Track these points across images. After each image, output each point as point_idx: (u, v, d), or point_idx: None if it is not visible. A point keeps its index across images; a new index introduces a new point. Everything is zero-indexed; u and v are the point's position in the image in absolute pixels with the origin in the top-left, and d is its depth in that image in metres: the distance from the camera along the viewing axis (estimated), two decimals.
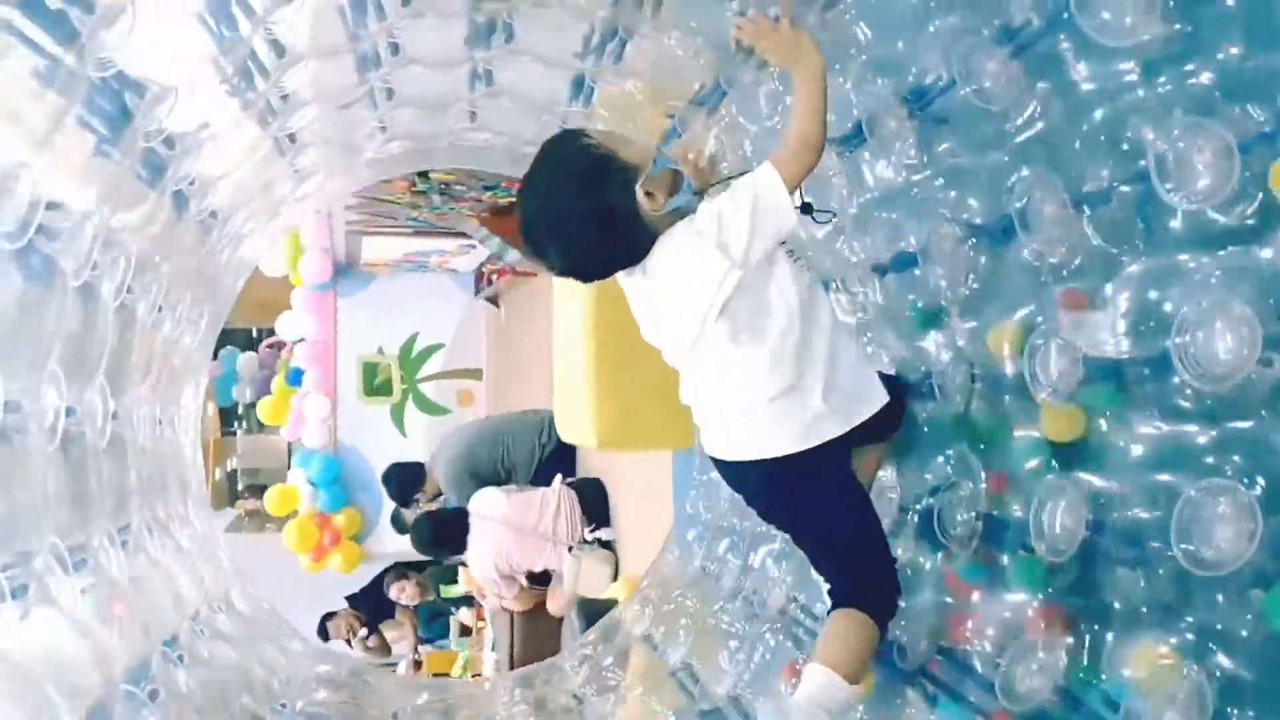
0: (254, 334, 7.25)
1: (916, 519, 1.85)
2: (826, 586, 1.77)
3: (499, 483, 4.37)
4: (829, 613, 1.71)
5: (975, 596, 1.66)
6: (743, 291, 1.63)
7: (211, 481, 6.96)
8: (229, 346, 6.99)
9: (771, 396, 1.65)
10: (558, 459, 4.49)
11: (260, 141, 2.24)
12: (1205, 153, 1.15)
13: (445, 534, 4.27)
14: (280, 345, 6.91)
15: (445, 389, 6.96)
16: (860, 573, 1.72)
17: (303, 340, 6.64)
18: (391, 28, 2.15)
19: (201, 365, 2.78)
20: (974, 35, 1.56)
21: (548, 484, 4.21)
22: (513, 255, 5.70)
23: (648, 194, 1.61)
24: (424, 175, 5.52)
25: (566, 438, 3.67)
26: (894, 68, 1.82)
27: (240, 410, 7.27)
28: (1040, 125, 1.49)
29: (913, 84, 1.77)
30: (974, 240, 1.66)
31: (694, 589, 2.72)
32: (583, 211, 1.61)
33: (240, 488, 7.29)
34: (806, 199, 1.73)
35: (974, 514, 1.64)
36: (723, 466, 1.77)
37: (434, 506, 4.87)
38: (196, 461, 2.74)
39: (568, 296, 3.41)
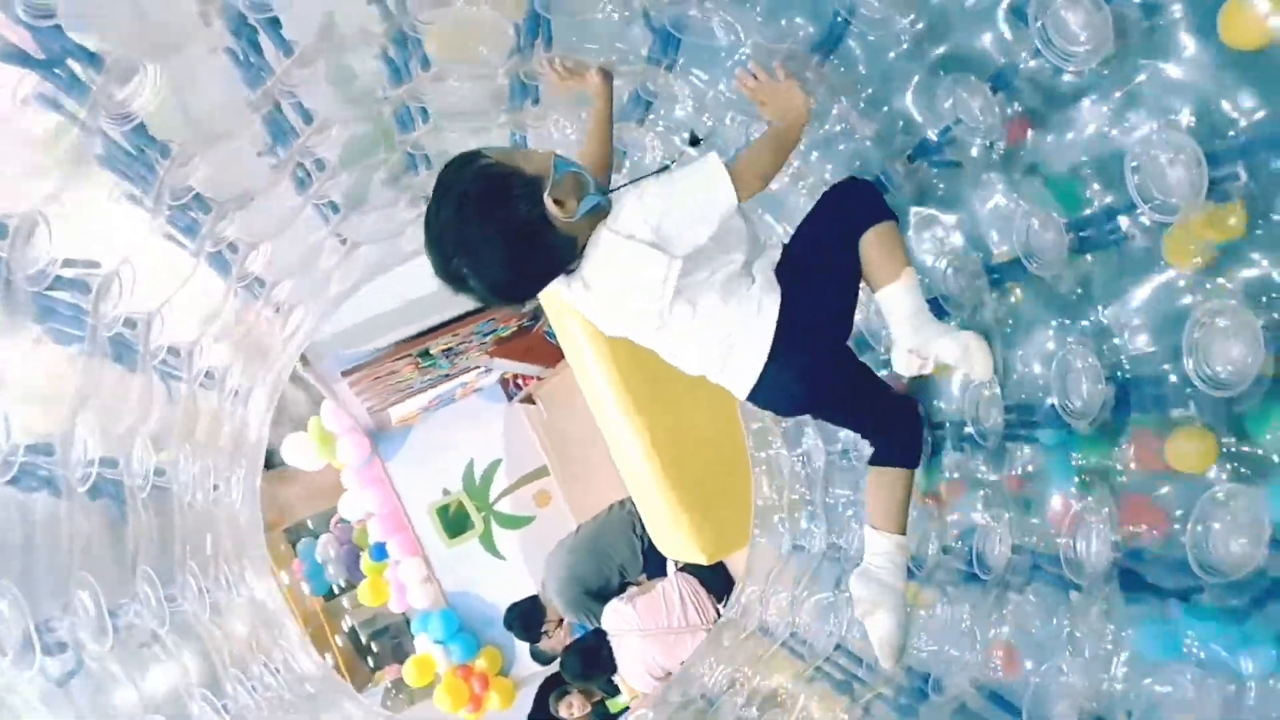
0: (325, 520, 7.29)
1: None
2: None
3: (614, 589, 4.35)
4: (868, 465, 1.89)
5: None
6: (688, 273, 1.64)
7: (339, 655, 6.99)
8: (302, 540, 7.04)
9: (735, 328, 1.72)
10: None
11: (226, 290, 2.26)
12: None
13: (594, 661, 4.25)
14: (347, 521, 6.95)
15: (520, 499, 6.94)
16: (886, 418, 1.86)
17: (370, 515, 6.66)
18: (307, 145, 2.16)
19: (255, 523, 2.80)
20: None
21: (660, 570, 4.14)
22: (529, 368, 5.79)
23: (557, 202, 1.58)
24: (425, 354, 5.69)
25: (674, 556, 3.66)
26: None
27: (341, 590, 7.27)
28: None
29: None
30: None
31: (788, 567, 2.73)
32: (495, 233, 1.57)
33: (367, 643, 7.23)
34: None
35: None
36: (755, 398, 1.81)
37: (565, 634, 4.85)
38: (283, 609, 2.74)
39: (610, 417, 3.38)
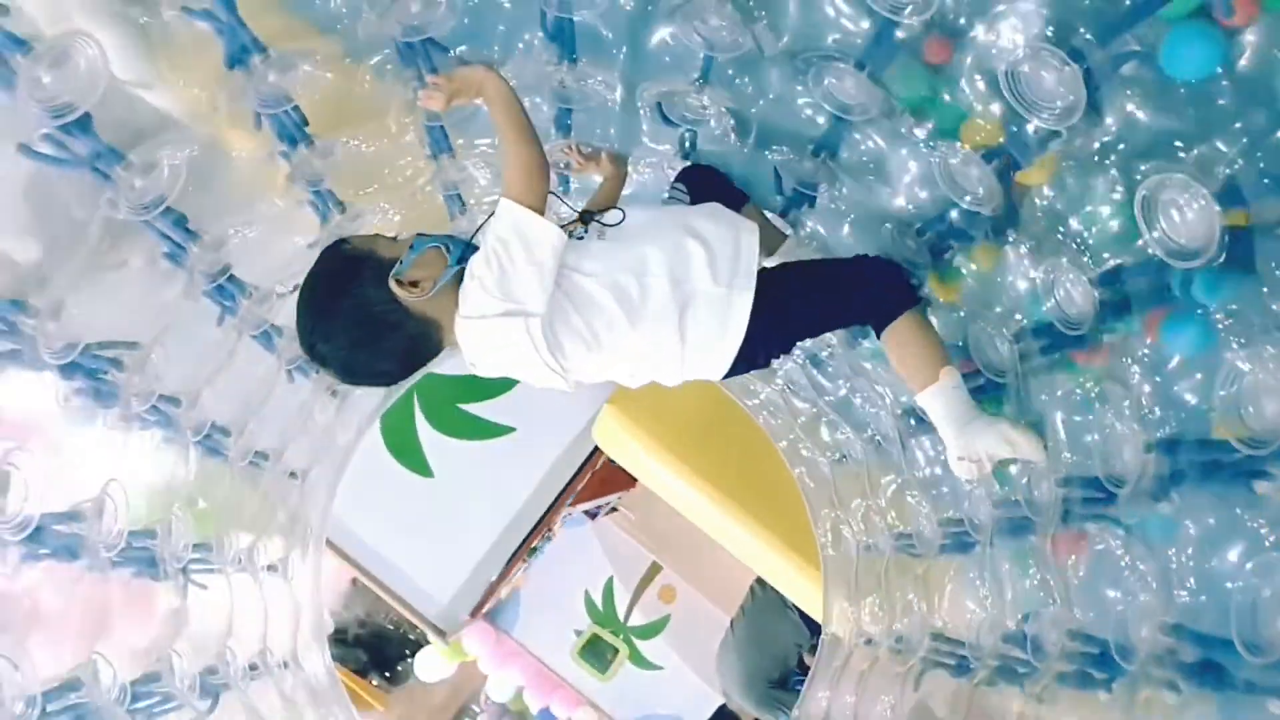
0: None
1: None
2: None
3: (795, 671, 4.25)
4: (877, 336, 1.79)
5: None
6: (553, 321, 1.61)
7: None
8: None
9: (678, 344, 1.68)
10: None
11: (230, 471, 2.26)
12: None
13: None
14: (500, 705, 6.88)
15: (648, 604, 6.85)
16: (866, 292, 1.76)
17: (521, 687, 6.58)
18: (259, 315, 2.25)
19: None
20: None
21: None
22: (609, 498, 5.78)
23: (410, 283, 1.58)
24: (531, 550, 5.72)
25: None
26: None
27: None
28: None
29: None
30: None
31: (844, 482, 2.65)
32: (338, 314, 1.59)
33: None
34: (584, 210, 1.74)
35: None
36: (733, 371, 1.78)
37: None
38: None
39: (707, 515, 3.37)
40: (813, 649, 4.18)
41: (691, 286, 1.68)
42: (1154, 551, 1.40)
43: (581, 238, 1.75)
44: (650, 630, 6.77)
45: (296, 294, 1.67)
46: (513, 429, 4.72)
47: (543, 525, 5.48)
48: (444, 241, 1.67)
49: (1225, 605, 1.24)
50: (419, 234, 1.69)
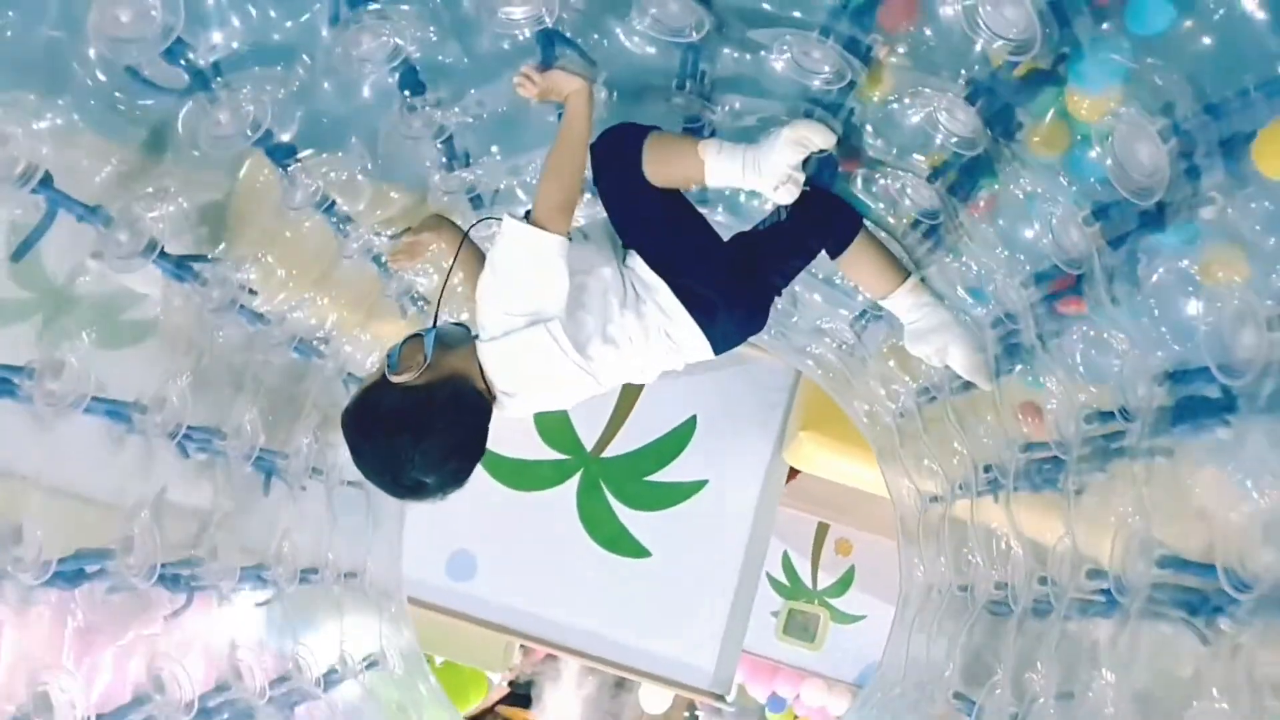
0: None
1: None
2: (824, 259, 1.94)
3: None
4: (836, 261, 1.93)
5: None
6: (571, 320, 1.69)
7: None
8: None
9: (660, 319, 1.77)
10: None
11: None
12: None
13: None
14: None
15: (829, 564, 6.87)
16: (816, 229, 1.89)
17: (741, 684, 6.68)
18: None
19: None
20: None
21: None
22: None
23: (404, 369, 1.67)
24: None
25: None
26: None
27: None
28: None
29: None
30: None
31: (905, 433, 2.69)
32: (386, 440, 1.67)
33: None
34: None
35: None
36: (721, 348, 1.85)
37: None
38: None
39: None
40: None
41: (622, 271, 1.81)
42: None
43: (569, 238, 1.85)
44: (841, 587, 6.80)
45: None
46: (705, 481, 4.67)
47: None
48: (411, 336, 1.76)
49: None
50: (391, 346, 1.78)
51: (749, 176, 1.74)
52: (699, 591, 4.71)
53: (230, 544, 2.14)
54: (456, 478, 1.73)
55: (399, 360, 1.70)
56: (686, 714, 6.86)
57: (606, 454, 4.65)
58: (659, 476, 4.68)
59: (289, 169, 1.93)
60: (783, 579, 6.89)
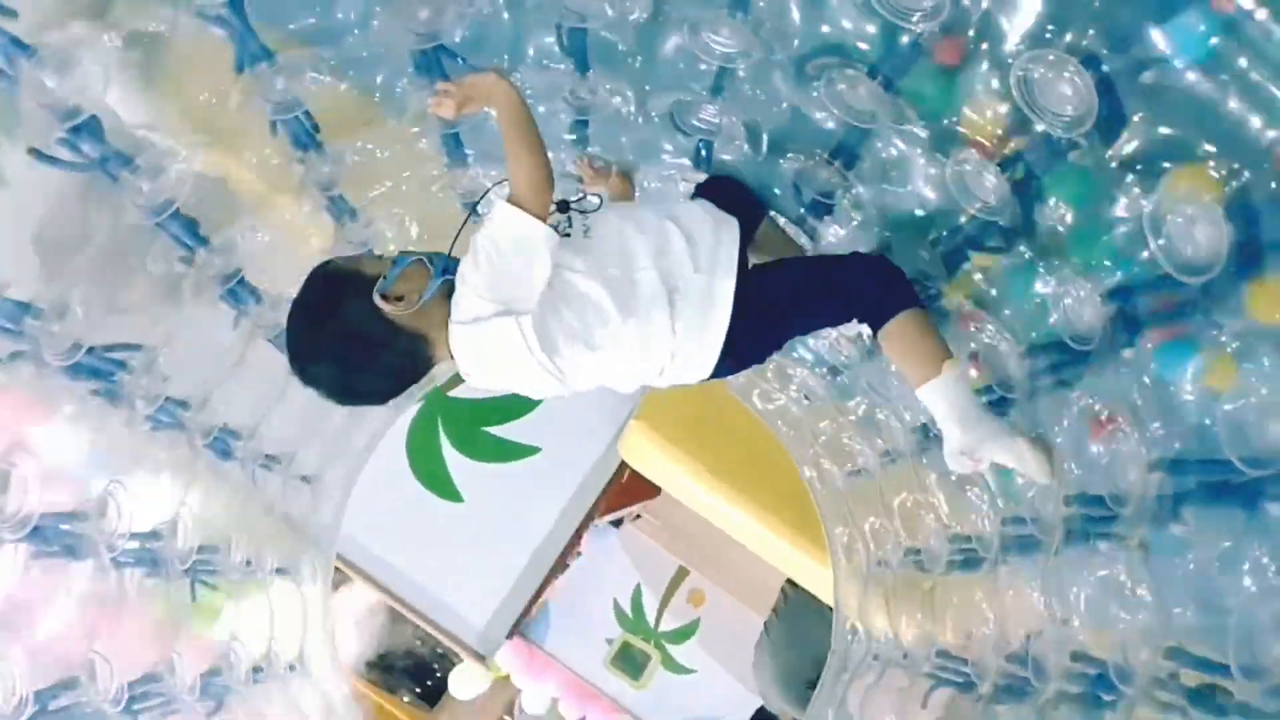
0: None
1: None
2: (866, 330, 1.79)
3: None
4: (874, 339, 1.77)
5: None
6: (544, 319, 1.58)
7: None
8: None
9: (670, 338, 1.66)
10: None
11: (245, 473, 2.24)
12: None
13: None
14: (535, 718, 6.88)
15: (677, 609, 6.84)
16: (862, 292, 1.73)
17: (556, 700, 6.59)
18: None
19: None
20: None
21: None
22: (635, 508, 5.80)
23: (396, 298, 1.57)
24: (564, 566, 5.74)
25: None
26: None
27: None
28: None
29: None
30: None
31: (858, 497, 2.69)
32: (326, 338, 1.60)
33: None
34: (561, 200, 1.73)
35: None
36: (717, 375, 1.77)
37: None
38: None
39: (741, 525, 3.37)
40: None
41: (675, 276, 1.68)
42: (1155, 571, 1.39)
43: (567, 234, 1.75)
44: (681, 635, 6.76)
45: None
46: (538, 449, 4.75)
47: (573, 543, 5.49)
48: (427, 256, 1.68)
49: (1224, 628, 1.23)
50: (402, 251, 1.70)
51: (952, 423, 1.64)
52: (495, 552, 4.74)
53: None
54: (350, 402, 1.74)
55: (395, 281, 1.61)
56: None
57: (453, 394, 4.62)
58: (496, 430, 4.72)
59: None
60: (628, 610, 6.82)
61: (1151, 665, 1.36)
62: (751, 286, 1.71)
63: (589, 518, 5.32)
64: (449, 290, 1.66)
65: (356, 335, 1.61)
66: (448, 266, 1.67)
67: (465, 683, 6.29)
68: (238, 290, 2.16)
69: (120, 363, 1.90)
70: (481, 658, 4.92)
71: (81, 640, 1.82)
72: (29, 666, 1.66)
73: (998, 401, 1.82)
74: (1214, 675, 1.24)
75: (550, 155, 1.67)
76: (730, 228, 1.74)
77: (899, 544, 2.50)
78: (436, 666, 6.76)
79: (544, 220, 1.61)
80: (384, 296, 1.61)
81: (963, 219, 1.72)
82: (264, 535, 2.59)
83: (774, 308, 1.74)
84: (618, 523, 6.79)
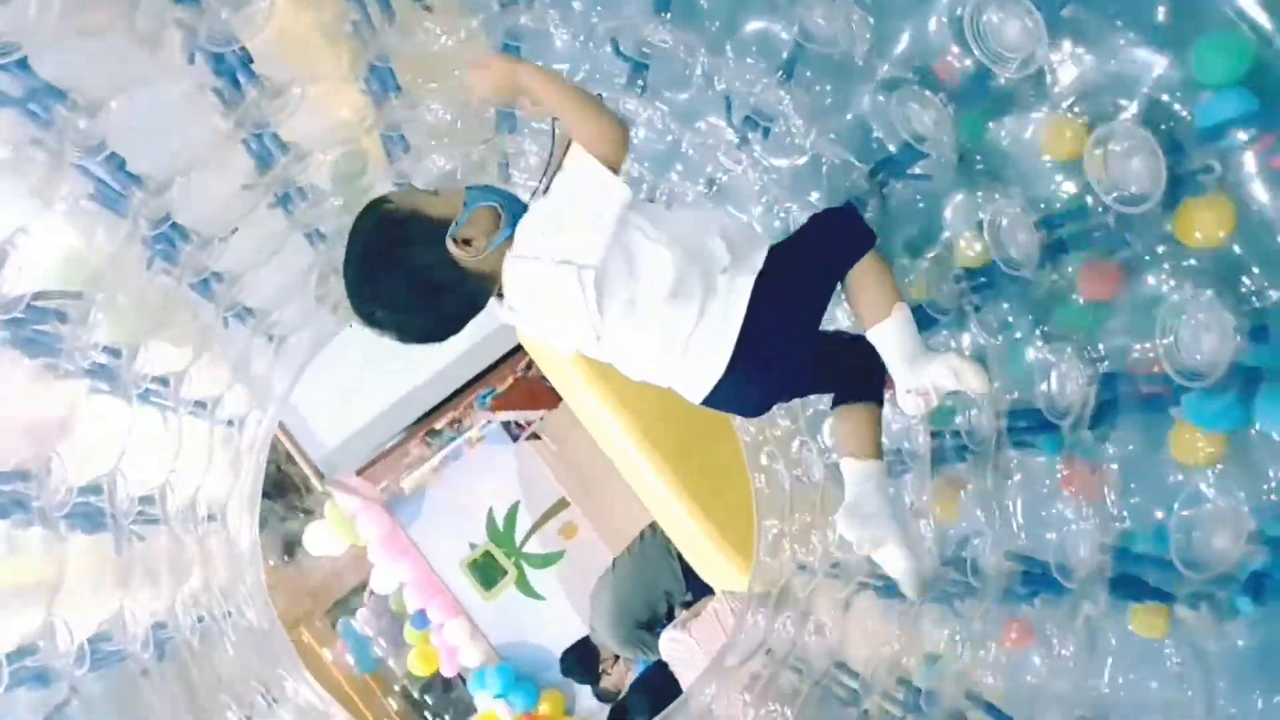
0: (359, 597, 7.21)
1: None
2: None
3: (663, 617, 4.30)
4: (833, 407, 1.88)
5: None
6: (607, 274, 1.59)
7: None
8: (341, 619, 6.98)
9: (690, 330, 1.65)
10: None
11: (175, 429, 2.27)
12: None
13: (661, 695, 4.24)
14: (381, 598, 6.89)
15: (547, 536, 6.88)
16: (834, 248, 1.76)
17: (403, 584, 6.59)
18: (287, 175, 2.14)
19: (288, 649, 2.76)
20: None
21: (706, 588, 4.11)
22: (532, 414, 5.77)
23: (464, 242, 1.56)
24: (433, 432, 5.70)
25: (720, 587, 3.61)
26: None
27: (390, 666, 7.19)
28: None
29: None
30: None
31: (797, 501, 2.74)
32: (397, 282, 1.57)
33: (420, 697, 7.19)
34: None
35: None
36: (710, 402, 1.76)
37: (624, 668, 4.81)
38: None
39: (624, 451, 3.34)
40: (685, 604, 4.22)
41: (714, 275, 1.67)
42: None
43: (650, 200, 1.79)
44: (542, 561, 6.80)
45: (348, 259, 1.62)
46: None
47: (450, 407, 5.45)
48: (499, 201, 1.63)
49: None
50: (469, 187, 1.65)
51: (898, 363, 1.71)
52: (368, 382, 4.64)
53: None
54: (411, 342, 1.68)
55: (466, 225, 1.58)
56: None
57: None
58: None
59: None
60: (500, 523, 6.85)
61: (1090, 563, 1.40)
62: (762, 286, 1.70)
63: (471, 386, 5.30)
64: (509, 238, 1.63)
65: (427, 282, 1.58)
66: (517, 212, 1.63)
67: (319, 539, 6.25)
68: (264, 139, 2.05)
69: (58, 313, 1.77)
70: (321, 476, 4.84)
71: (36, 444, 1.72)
72: None
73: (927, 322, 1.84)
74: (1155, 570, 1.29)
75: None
76: (764, 246, 1.74)
77: (826, 554, 2.50)
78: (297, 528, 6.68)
79: (616, 169, 1.58)
80: (455, 241, 1.57)
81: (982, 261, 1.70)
82: (222, 382, 2.50)
83: (785, 295, 1.71)
84: (516, 436, 6.79)
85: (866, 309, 1.75)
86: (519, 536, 6.85)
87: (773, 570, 2.94)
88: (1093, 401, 1.41)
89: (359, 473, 5.49)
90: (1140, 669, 1.34)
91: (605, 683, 5.01)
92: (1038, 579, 1.59)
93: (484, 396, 5.79)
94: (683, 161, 2.23)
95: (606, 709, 5.93)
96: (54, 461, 1.71)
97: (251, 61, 1.89)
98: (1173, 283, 1.24)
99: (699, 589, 4.13)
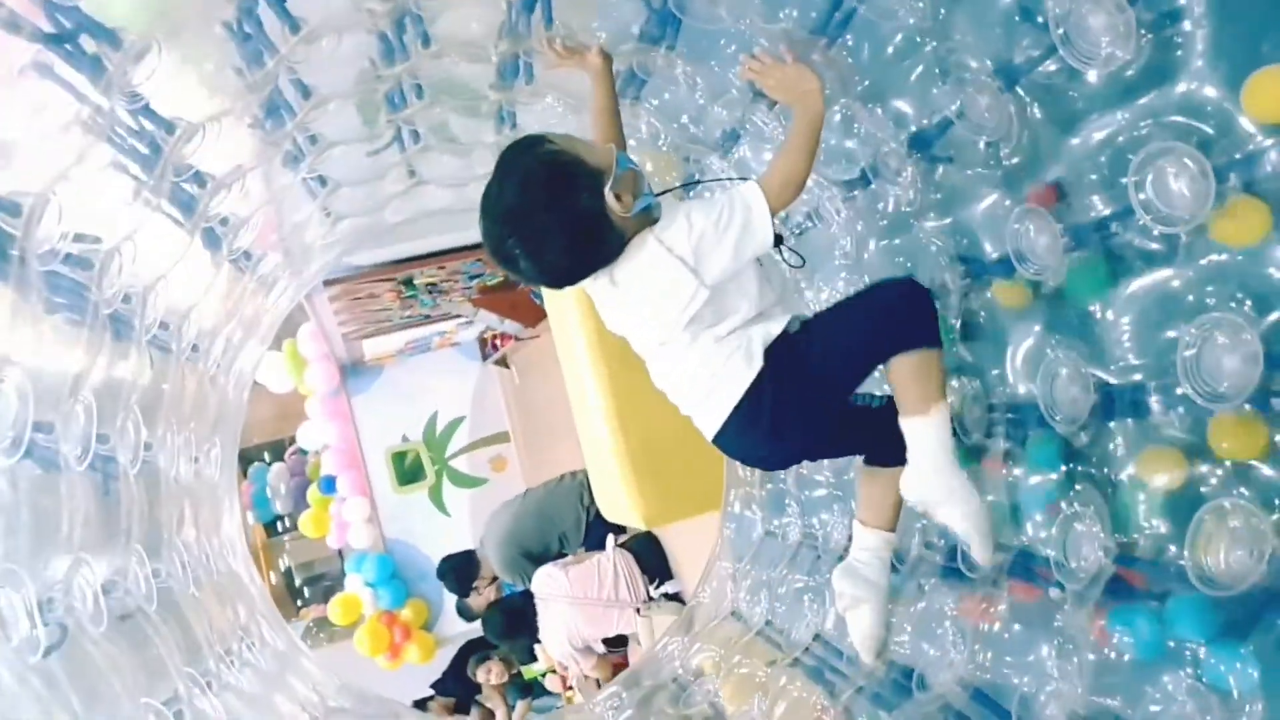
0: (279, 448, 7.22)
1: None
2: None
3: (552, 556, 4.36)
4: (864, 464, 1.83)
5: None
6: (708, 303, 1.64)
7: (269, 587, 6.95)
8: (255, 464, 7.02)
9: (722, 364, 1.68)
10: (605, 518, 4.48)
11: (216, 266, 2.24)
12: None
13: (516, 622, 4.31)
14: (305, 452, 6.92)
15: (477, 460, 6.94)
16: (868, 432, 1.77)
17: (327, 447, 6.63)
18: (303, 123, 2.14)
19: (230, 490, 2.78)
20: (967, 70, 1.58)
21: (600, 545, 4.19)
22: (510, 325, 5.72)
23: (616, 196, 1.59)
24: (409, 283, 5.64)
25: (613, 519, 3.65)
26: (893, 107, 1.84)
27: (284, 524, 7.25)
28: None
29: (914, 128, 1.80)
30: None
31: (761, 553, 2.76)
32: (554, 218, 1.59)
33: (300, 586, 7.24)
34: (778, 232, 1.74)
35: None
36: (719, 442, 1.76)
37: (494, 592, 4.86)
38: (255, 580, 2.73)
39: (580, 377, 3.37)
40: (574, 557, 4.27)
41: (750, 327, 1.70)
42: None
43: (791, 263, 1.84)
44: (463, 481, 6.87)
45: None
46: None
47: (434, 261, 5.46)
48: (639, 169, 1.66)
49: None
50: (618, 150, 1.68)
51: (918, 466, 1.68)
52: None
53: None
54: (541, 282, 1.72)
55: (618, 179, 1.60)
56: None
57: None
58: None
59: None
60: (438, 429, 6.91)
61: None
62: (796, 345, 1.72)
63: (462, 252, 5.30)
64: (648, 212, 1.66)
65: (581, 223, 1.59)
66: (652, 191, 1.67)
67: (269, 370, 6.24)
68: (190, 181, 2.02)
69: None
70: None
71: None
72: None
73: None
74: None
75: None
76: (795, 306, 1.80)
77: (768, 612, 2.54)
78: None
79: (775, 213, 1.62)
80: (612, 193, 1.61)
81: (994, 257, 1.73)
82: (270, 240, 2.47)
83: (815, 355, 1.70)
84: (486, 356, 6.84)
85: (904, 396, 1.68)
86: (451, 450, 6.92)
87: (708, 610, 2.98)
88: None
89: (327, 284, 5.41)
90: None
91: (472, 600, 5.05)
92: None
93: (473, 273, 5.65)
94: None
95: (462, 637, 6.02)
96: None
97: None
98: None
99: (593, 544, 4.21)
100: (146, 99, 1.67)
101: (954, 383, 1.90)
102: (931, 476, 1.68)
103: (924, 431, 1.66)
